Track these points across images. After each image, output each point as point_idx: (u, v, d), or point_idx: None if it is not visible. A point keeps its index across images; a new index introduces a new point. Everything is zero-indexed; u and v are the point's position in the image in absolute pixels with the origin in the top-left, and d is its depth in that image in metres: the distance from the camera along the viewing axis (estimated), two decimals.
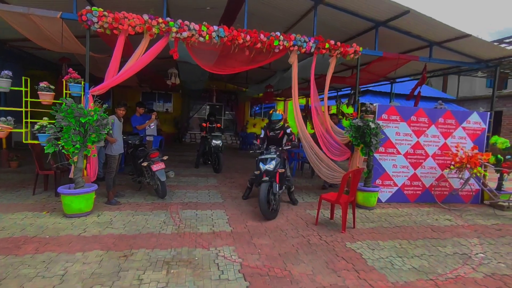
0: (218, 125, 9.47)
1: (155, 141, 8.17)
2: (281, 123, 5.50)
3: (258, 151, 5.24)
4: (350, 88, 10.94)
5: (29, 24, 4.97)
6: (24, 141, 4.90)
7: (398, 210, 5.69)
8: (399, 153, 6.25)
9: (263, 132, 5.61)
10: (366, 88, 12.91)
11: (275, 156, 4.91)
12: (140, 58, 5.01)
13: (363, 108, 6.17)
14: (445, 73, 9.40)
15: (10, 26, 5.08)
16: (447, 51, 6.72)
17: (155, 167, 5.33)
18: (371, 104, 6.13)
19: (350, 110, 11.76)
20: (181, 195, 5.93)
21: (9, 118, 4.73)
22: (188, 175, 7.90)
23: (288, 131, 5.47)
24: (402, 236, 4.32)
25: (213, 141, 8.41)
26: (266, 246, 3.74)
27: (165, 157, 5.66)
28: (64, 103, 4.27)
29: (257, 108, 18.98)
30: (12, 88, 4.80)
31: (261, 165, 4.85)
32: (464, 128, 6.47)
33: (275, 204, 4.75)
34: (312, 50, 5.75)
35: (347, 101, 11.35)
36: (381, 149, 6.04)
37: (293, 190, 5.70)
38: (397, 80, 10.30)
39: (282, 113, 5.59)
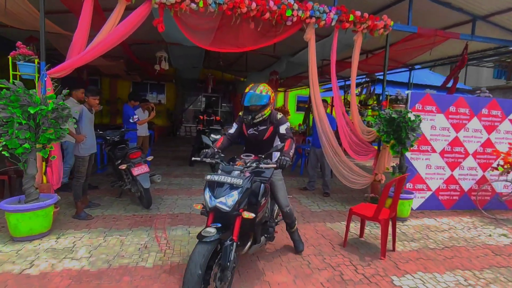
0: (217, 117, 8.44)
1: None
2: (267, 112, 2.94)
3: (208, 160, 2.77)
4: (364, 76, 9.73)
5: None
6: None
7: (436, 222, 4.65)
8: (434, 151, 5.18)
9: (234, 126, 3.17)
10: (377, 77, 11.74)
11: (240, 181, 2.37)
12: (114, 29, 3.84)
13: (393, 97, 5.09)
14: (452, 61, 8.04)
15: None
16: (488, 27, 5.59)
17: (136, 171, 4.22)
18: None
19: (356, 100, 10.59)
20: (171, 203, 4.83)
21: None
22: (181, 174, 6.81)
23: (283, 129, 2.88)
24: (462, 265, 3.27)
25: (211, 135, 7.37)
26: (286, 286, 2.67)
27: (150, 158, 4.56)
28: (4, 87, 3.13)
29: None
30: None
31: (206, 195, 2.41)
32: (511, 120, 5.40)
33: (222, 282, 2.21)
34: (333, 23, 4.61)
35: (358, 91, 10.14)
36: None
37: (295, 230, 3.30)
38: (416, 67, 9.15)
39: (268, 91, 2.94)
